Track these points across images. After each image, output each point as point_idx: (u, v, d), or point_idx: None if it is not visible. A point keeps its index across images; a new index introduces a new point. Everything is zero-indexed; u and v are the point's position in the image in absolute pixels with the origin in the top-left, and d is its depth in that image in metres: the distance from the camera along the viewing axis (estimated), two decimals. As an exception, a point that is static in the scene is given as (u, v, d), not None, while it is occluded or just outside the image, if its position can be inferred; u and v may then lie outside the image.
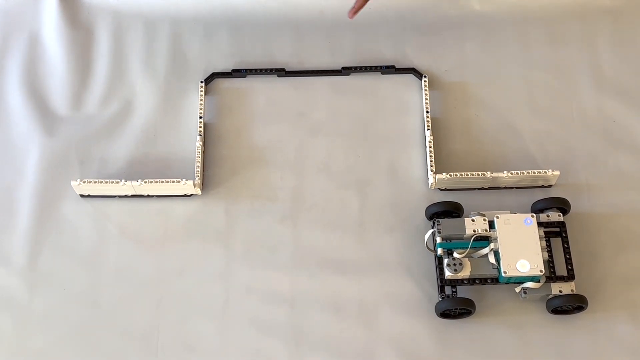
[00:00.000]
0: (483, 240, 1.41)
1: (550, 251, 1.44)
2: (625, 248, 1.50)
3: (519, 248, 1.38)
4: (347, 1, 1.73)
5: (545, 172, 1.50)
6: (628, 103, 1.63)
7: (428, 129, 1.57)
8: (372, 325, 1.45)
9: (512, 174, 1.50)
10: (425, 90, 1.62)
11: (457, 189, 1.54)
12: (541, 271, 1.37)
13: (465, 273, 1.40)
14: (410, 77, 1.66)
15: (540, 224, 1.44)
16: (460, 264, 1.40)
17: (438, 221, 1.43)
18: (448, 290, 1.42)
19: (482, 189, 1.55)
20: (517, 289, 1.41)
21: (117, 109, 1.63)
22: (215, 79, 1.66)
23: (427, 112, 1.60)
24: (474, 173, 1.51)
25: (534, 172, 1.50)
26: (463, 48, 1.69)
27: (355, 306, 1.46)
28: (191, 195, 1.55)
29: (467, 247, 1.40)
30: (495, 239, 1.40)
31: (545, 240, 1.44)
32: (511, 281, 1.40)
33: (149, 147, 1.59)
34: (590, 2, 1.74)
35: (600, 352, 1.41)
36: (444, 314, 1.41)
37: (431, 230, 1.44)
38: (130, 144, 1.59)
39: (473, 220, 1.42)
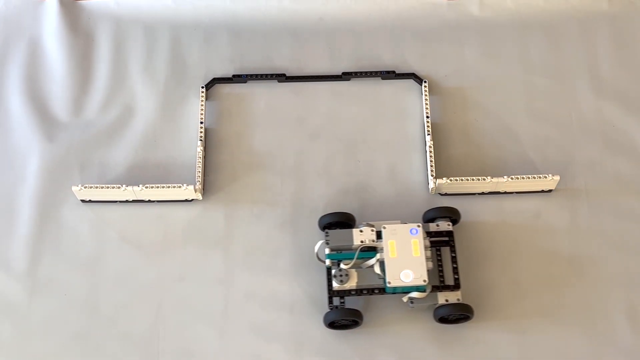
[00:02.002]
0: (371, 250, 1.41)
1: (440, 260, 1.45)
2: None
3: (404, 258, 1.38)
4: (347, 7, 1.74)
5: (546, 177, 1.50)
6: (627, 107, 1.64)
7: (428, 134, 1.58)
8: (371, 328, 1.44)
9: (512, 178, 1.50)
10: (426, 95, 1.63)
11: (458, 193, 1.55)
12: (424, 281, 1.36)
13: (351, 284, 1.39)
14: (410, 82, 1.67)
15: (430, 234, 1.44)
16: (347, 274, 1.39)
17: (327, 232, 1.43)
18: (337, 301, 1.41)
19: (483, 193, 1.55)
20: (405, 299, 1.41)
21: (118, 114, 1.63)
22: (216, 84, 1.67)
23: (427, 117, 1.60)
24: (474, 178, 1.51)
25: (534, 177, 1.50)
26: (463, 53, 1.70)
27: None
28: (192, 200, 1.55)
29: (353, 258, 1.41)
30: (382, 249, 1.40)
31: (436, 250, 1.45)
32: (397, 291, 1.40)
33: (149, 152, 1.59)
34: (589, 7, 1.74)
35: None
36: (332, 325, 1.41)
37: (321, 241, 1.44)
38: (131, 149, 1.59)
39: (361, 231, 1.42)
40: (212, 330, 1.44)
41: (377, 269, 1.40)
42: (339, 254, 1.42)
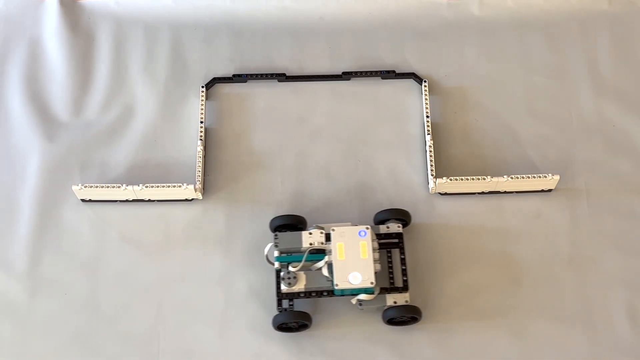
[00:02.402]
0: (320, 253, 1.41)
1: (390, 262, 1.44)
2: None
3: (352, 260, 1.38)
4: (347, 7, 1.74)
5: (546, 177, 1.50)
6: (628, 107, 1.64)
7: (428, 134, 1.58)
8: (371, 330, 1.44)
9: (512, 178, 1.50)
10: (426, 95, 1.63)
11: (458, 193, 1.55)
12: (372, 283, 1.36)
13: (300, 286, 1.39)
14: (411, 82, 1.67)
15: (380, 236, 1.44)
16: (295, 277, 1.39)
17: (276, 234, 1.42)
18: (286, 303, 1.42)
19: (483, 193, 1.55)
20: (353, 301, 1.41)
21: (118, 114, 1.63)
22: (216, 84, 1.67)
23: (427, 116, 1.60)
24: (474, 177, 1.51)
25: (534, 177, 1.50)
26: (463, 53, 1.70)
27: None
28: (192, 200, 1.55)
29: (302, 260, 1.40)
30: (330, 251, 1.39)
31: (387, 252, 1.45)
32: (345, 293, 1.39)
33: (149, 152, 1.59)
34: (589, 7, 1.74)
35: None
36: (281, 327, 1.41)
37: (270, 244, 1.44)
38: (131, 149, 1.60)
39: (310, 234, 1.41)
40: (212, 330, 1.45)
41: (325, 272, 1.39)
42: (288, 257, 1.42)
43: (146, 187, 1.50)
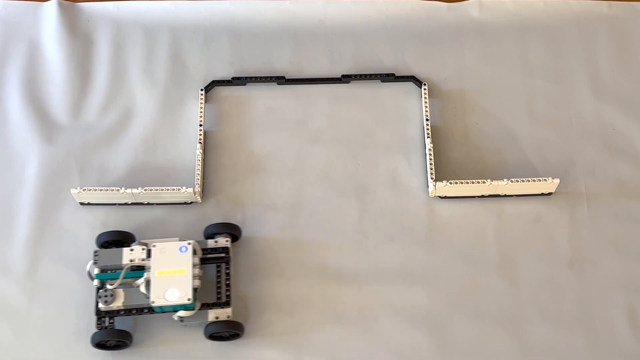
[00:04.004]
0: (141, 269, 1.39)
1: (219, 277, 1.43)
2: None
3: (171, 277, 1.37)
4: (346, 10, 1.74)
5: (546, 180, 1.50)
6: (627, 110, 1.64)
7: (428, 137, 1.58)
8: (373, 334, 1.45)
9: (512, 181, 1.50)
10: (425, 98, 1.62)
11: (457, 196, 1.54)
12: (189, 299, 1.35)
13: (118, 304, 1.38)
14: (410, 85, 1.67)
15: (206, 250, 1.44)
16: (112, 295, 1.38)
17: (96, 252, 1.41)
18: (107, 321, 1.40)
19: (482, 196, 1.55)
20: (175, 317, 1.39)
21: (117, 117, 1.63)
22: (215, 87, 1.66)
23: (427, 119, 1.60)
24: (473, 181, 1.51)
25: (534, 180, 1.50)
26: (462, 56, 1.70)
27: (355, 315, 1.46)
28: (191, 203, 1.54)
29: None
30: (149, 268, 1.38)
31: (217, 266, 1.43)
32: (165, 310, 1.38)
33: (148, 155, 1.59)
34: (589, 10, 1.74)
35: None
36: (100, 345, 1.39)
37: (91, 261, 1.42)
38: (130, 152, 1.59)
39: (132, 250, 1.40)
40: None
41: (142, 289, 1.38)
42: (108, 274, 1.40)
43: (145, 190, 1.49)
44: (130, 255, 1.39)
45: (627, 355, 1.43)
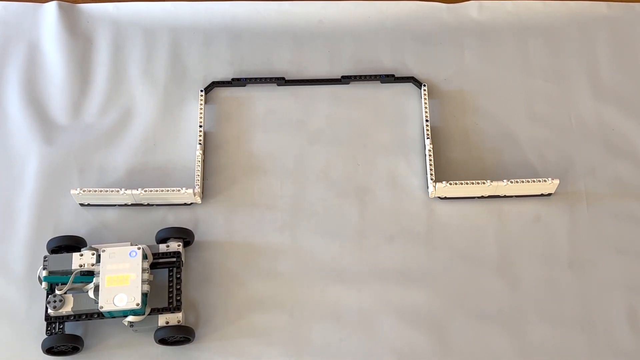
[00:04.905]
0: (90, 275, 1.39)
1: (171, 281, 1.43)
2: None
3: (119, 282, 1.36)
4: (346, 10, 1.74)
5: (545, 181, 1.50)
6: (627, 111, 1.64)
7: (428, 138, 1.58)
8: (372, 334, 1.44)
9: (512, 182, 1.50)
10: (425, 98, 1.62)
11: (457, 197, 1.54)
12: (137, 305, 1.34)
13: (67, 309, 1.37)
14: (410, 86, 1.67)
15: (157, 255, 1.43)
16: (61, 300, 1.37)
17: (46, 257, 1.40)
18: (57, 326, 1.39)
19: (482, 197, 1.55)
20: (125, 322, 1.39)
21: (117, 118, 1.63)
22: (215, 88, 1.66)
23: (427, 120, 1.60)
24: (473, 182, 1.51)
25: (534, 181, 1.50)
26: (462, 57, 1.70)
27: (355, 315, 1.46)
28: (191, 204, 1.54)
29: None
30: (99, 273, 1.37)
31: (169, 271, 1.43)
32: (115, 315, 1.38)
33: (148, 155, 1.59)
34: (588, 11, 1.74)
35: None
36: (51, 351, 1.39)
37: (41, 267, 1.41)
38: (130, 153, 1.59)
39: (82, 255, 1.39)
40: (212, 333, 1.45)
41: (91, 294, 1.37)
42: (56, 277, 1.39)
43: (145, 191, 1.49)
44: (80, 260, 1.39)
45: (626, 355, 1.43)
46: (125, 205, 1.54)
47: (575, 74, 1.68)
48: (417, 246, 1.51)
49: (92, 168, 1.58)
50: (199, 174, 1.54)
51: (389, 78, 1.66)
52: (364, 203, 1.55)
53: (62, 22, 1.71)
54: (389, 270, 1.49)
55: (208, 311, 1.46)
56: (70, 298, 1.38)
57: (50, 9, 1.73)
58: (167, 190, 1.50)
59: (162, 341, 1.40)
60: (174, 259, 1.44)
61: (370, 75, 1.66)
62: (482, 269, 1.49)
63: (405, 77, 1.67)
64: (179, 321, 1.39)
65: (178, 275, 1.43)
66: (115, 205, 1.54)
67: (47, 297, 1.38)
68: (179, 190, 1.50)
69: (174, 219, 1.53)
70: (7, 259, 1.50)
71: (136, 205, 1.54)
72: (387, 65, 1.69)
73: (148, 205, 1.54)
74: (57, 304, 1.37)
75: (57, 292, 1.38)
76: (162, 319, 1.39)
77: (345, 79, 1.67)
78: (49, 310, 1.37)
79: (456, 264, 1.50)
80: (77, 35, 1.71)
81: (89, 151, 1.59)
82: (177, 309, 1.40)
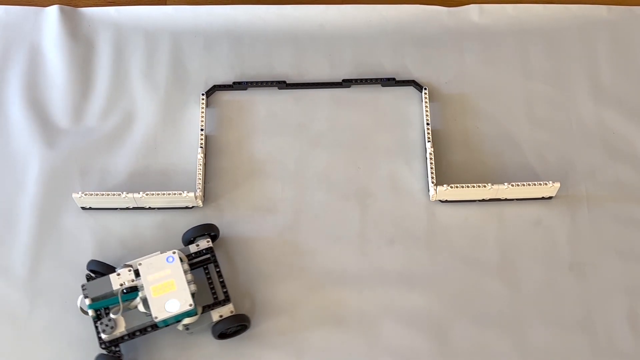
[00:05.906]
0: (134, 291, 1.38)
1: (210, 277, 1.44)
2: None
3: (167, 288, 1.36)
4: (347, 14, 1.74)
5: (546, 184, 1.50)
6: (628, 114, 1.64)
7: (429, 141, 1.58)
8: (373, 337, 1.45)
9: (512, 185, 1.50)
10: (426, 102, 1.63)
11: (458, 200, 1.55)
12: (190, 305, 1.34)
13: (120, 330, 1.36)
14: (411, 89, 1.67)
15: (190, 256, 1.44)
16: (112, 323, 1.35)
17: (84, 286, 1.38)
18: (113, 349, 1.39)
19: (483, 200, 1.55)
20: (180, 328, 1.39)
21: (118, 121, 1.63)
22: (216, 91, 1.67)
23: (428, 123, 1.60)
24: (474, 185, 1.51)
25: (535, 184, 1.50)
26: (463, 60, 1.70)
27: (356, 318, 1.46)
28: (192, 207, 1.55)
29: (119, 304, 1.37)
30: (142, 286, 1.37)
31: (204, 269, 1.44)
32: (169, 322, 1.37)
33: (150, 159, 1.59)
34: (589, 14, 1.75)
35: None
36: None
37: (81, 296, 1.40)
38: (131, 156, 1.59)
39: (119, 275, 1.38)
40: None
41: (141, 308, 1.37)
42: (101, 302, 1.38)
43: (146, 194, 1.50)
44: (119, 279, 1.38)
45: (627, 357, 1.43)
46: (127, 208, 1.54)
47: (576, 77, 1.68)
48: (418, 249, 1.51)
49: (94, 171, 1.58)
50: (201, 178, 1.54)
51: (389, 81, 1.67)
52: (365, 206, 1.56)
53: (64, 25, 1.72)
54: (390, 273, 1.49)
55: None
56: (120, 319, 1.37)
57: (52, 12, 1.73)
58: (169, 194, 1.50)
59: (222, 335, 1.40)
60: (208, 255, 1.45)
61: (371, 79, 1.67)
62: (483, 272, 1.49)
63: (406, 81, 1.67)
64: (232, 312, 1.40)
65: (217, 269, 1.44)
66: (116, 208, 1.54)
67: (95, 323, 1.38)
68: (180, 194, 1.50)
69: (175, 222, 1.53)
70: (9, 262, 1.50)
71: (138, 209, 1.54)
72: (388, 68, 1.69)
73: (150, 208, 1.54)
74: (108, 328, 1.35)
75: (112, 315, 1.36)
76: (216, 314, 1.39)
77: (346, 83, 1.67)
78: (103, 336, 1.36)
79: (457, 267, 1.50)
80: (79, 39, 1.72)
81: (91, 154, 1.60)
82: (227, 300, 1.41)
